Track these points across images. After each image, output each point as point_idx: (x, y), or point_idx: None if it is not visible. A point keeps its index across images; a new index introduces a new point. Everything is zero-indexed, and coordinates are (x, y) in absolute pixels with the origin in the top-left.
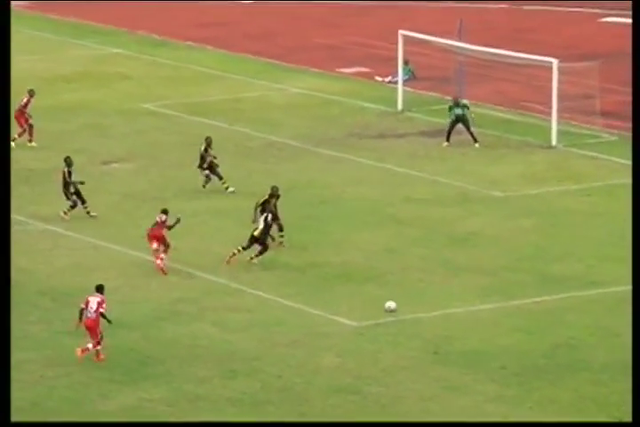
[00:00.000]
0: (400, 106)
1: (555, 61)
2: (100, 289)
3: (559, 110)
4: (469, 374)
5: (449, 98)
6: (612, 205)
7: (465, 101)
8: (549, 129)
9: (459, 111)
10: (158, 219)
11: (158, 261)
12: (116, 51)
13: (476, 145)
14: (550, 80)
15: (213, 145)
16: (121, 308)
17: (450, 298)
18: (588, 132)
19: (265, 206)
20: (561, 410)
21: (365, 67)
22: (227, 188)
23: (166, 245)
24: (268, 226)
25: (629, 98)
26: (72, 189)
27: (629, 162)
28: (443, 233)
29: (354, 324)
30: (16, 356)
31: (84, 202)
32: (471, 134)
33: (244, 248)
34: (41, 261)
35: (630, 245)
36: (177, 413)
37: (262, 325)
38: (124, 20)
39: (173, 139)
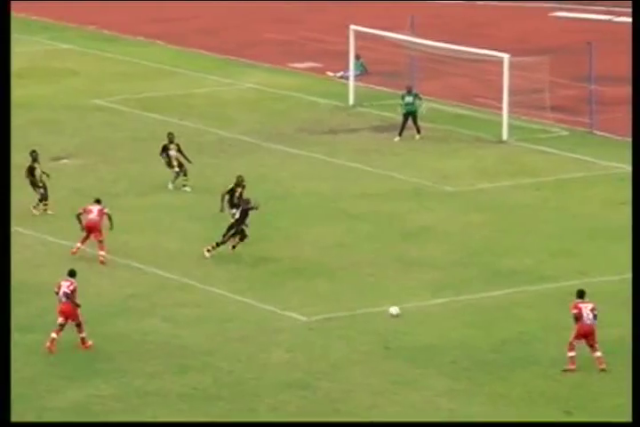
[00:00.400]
0: (352, 101)
1: (506, 56)
2: (71, 274)
3: (510, 105)
4: (420, 368)
5: (401, 93)
6: (563, 199)
7: (416, 91)
8: (500, 124)
9: (409, 99)
10: (96, 210)
11: (102, 253)
12: (66, 46)
13: (417, 137)
14: (501, 75)
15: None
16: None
17: (401, 293)
18: (539, 126)
19: (233, 199)
20: (511, 404)
21: (317, 62)
22: (184, 185)
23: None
24: (242, 216)
25: (579, 92)
26: (40, 184)
27: (579, 156)
28: (394, 228)
29: (304, 319)
30: None
31: (46, 198)
32: (416, 126)
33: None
34: None
35: (581, 240)
36: (127, 409)
37: (213, 320)
38: (75, 15)
39: (124, 135)
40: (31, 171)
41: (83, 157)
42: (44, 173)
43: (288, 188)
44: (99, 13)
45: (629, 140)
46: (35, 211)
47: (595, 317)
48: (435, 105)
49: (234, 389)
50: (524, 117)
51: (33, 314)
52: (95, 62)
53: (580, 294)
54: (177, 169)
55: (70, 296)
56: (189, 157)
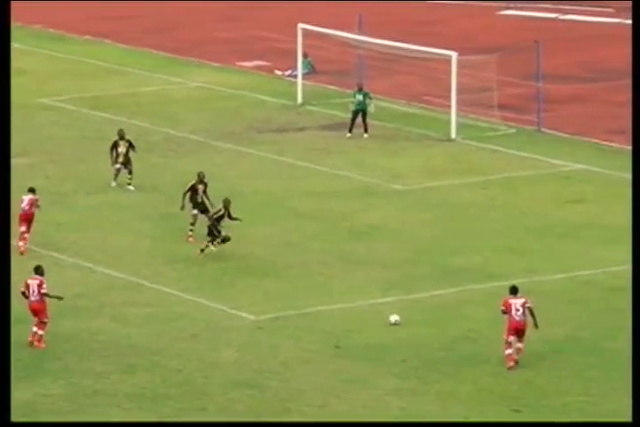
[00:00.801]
0: (300, 99)
1: (454, 54)
2: (38, 271)
3: (458, 103)
4: (369, 367)
5: (349, 91)
6: (510, 197)
7: (366, 90)
8: (449, 122)
9: (360, 97)
10: (27, 199)
11: (21, 244)
12: (13, 46)
13: (365, 135)
14: (449, 73)
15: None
16: (19, 303)
17: (350, 291)
18: (487, 125)
19: (196, 196)
20: (460, 402)
21: (265, 60)
22: (128, 184)
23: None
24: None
25: (526, 90)
26: None
27: (527, 154)
28: (343, 227)
29: (254, 318)
30: None
31: None
32: (365, 125)
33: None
34: None
35: (529, 238)
36: (76, 408)
37: (162, 319)
38: (21, 14)
39: (72, 133)
40: None
41: (31, 157)
42: None
43: (237, 186)
44: (45, 12)
45: (577, 137)
46: None
47: (525, 312)
48: (383, 103)
49: (183, 388)
50: (472, 116)
51: None
52: (42, 61)
53: (512, 290)
54: (118, 166)
55: (42, 293)
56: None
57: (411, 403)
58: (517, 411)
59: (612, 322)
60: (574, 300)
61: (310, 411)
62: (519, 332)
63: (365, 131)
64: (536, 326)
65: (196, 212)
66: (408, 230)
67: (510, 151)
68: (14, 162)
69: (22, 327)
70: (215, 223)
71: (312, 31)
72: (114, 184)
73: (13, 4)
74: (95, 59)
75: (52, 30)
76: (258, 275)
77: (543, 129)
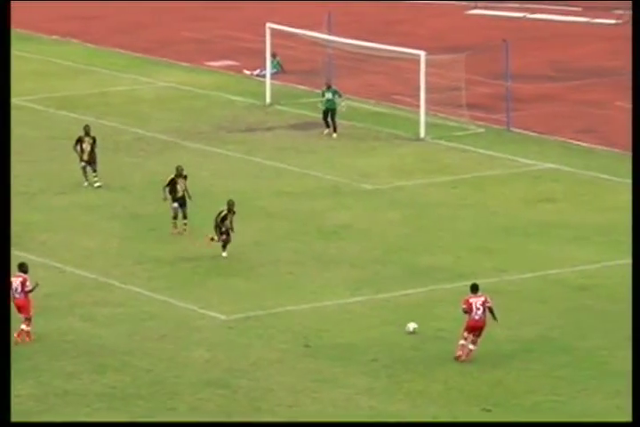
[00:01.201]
0: (268, 99)
1: (422, 54)
2: (21, 268)
3: (427, 103)
4: (340, 366)
5: (318, 91)
6: (480, 196)
7: (335, 88)
8: (418, 121)
9: (329, 95)
10: None
11: None
12: None
13: (334, 135)
14: (418, 72)
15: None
16: None
17: (320, 291)
18: (456, 124)
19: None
20: (431, 401)
21: (233, 60)
22: (95, 181)
23: None
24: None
25: (495, 90)
26: None
27: (496, 153)
28: (312, 226)
29: (224, 317)
30: None
31: None
32: (334, 124)
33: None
34: None
35: (498, 237)
36: (46, 408)
37: (132, 319)
38: None
39: (40, 133)
40: None
41: None
42: None
43: (205, 186)
44: (12, 12)
45: (546, 137)
46: None
47: (485, 310)
48: (352, 103)
49: (153, 388)
50: (441, 115)
51: None
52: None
53: (473, 288)
54: (83, 164)
55: (26, 291)
56: (99, 153)
57: (381, 402)
58: (488, 410)
59: (582, 321)
60: (544, 299)
61: (281, 410)
62: (477, 330)
63: (334, 130)
64: (494, 318)
65: (176, 205)
66: (378, 230)
67: (480, 151)
68: None
69: None
70: (219, 224)
71: (280, 31)
72: (86, 184)
73: None
74: (63, 59)
75: (19, 30)
76: (228, 275)
77: (512, 128)
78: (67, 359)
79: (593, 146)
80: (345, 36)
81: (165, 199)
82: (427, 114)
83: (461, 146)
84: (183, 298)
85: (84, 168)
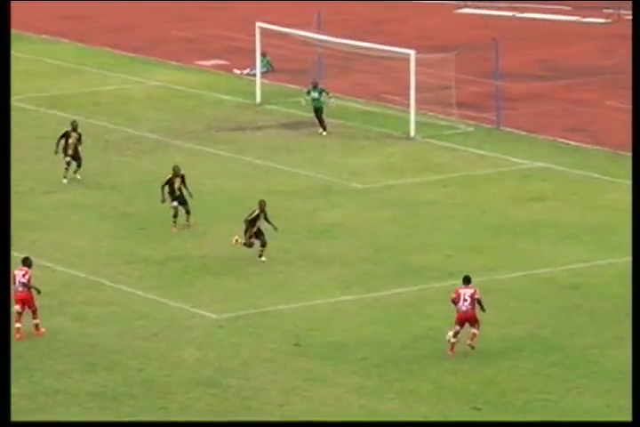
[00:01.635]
0: (258, 98)
1: (412, 53)
2: (25, 261)
3: (417, 102)
4: (330, 365)
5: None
6: (469, 195)
7: (322, 86)
8: (408, 120)
9: (315, 95)
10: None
11: None
12: None
13: (324, 133)
14: (408, 71)
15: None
16: None
17: (310, 290)
18: (446, 123)
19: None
20: (421, 400)
21: (223, 59)
22: (75, 172)
23: None
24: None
25: (485, 88)
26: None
27: (486, 152)
28: (303, 225)
29: (215, 316)
30: None
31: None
32: (322, 122)
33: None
34: None
35: (488, 236)
36: (36, 407)
37: (123, 318)
38: None
39: (29, 133)
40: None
41: None
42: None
43: (196, 185)
44: None
45: (535, 135)
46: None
47: (474, 302)
48: (342, 102)
49: (144, 387)
50: (431, 114)
51: None
52: None
53: (465, 280)
54: (68, 159)
55: (28, 285)
56: (89, 153)
57: (371, 401)
58: (478, 409)
59: (571, 320)
60: (534, 298)
61: (271, 409)
62: (465, 321)
63: (324, 129)
64: (482, 309)
65: (175, 204)
66: (368, 229)
67: (469, 149)
68: None
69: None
70: (248, 225)
71: (270, 30)
72: (65, 181)
73: None
74: (53, 58)
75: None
76: (218, 274)
77: (502, 127)
78: (57, 358)
79: (583, 145)
80: (335, 36)
81: (164, 200)
82: (417, 113)
83: (451, 145)
84: (174, 297)
85: (68, 163)
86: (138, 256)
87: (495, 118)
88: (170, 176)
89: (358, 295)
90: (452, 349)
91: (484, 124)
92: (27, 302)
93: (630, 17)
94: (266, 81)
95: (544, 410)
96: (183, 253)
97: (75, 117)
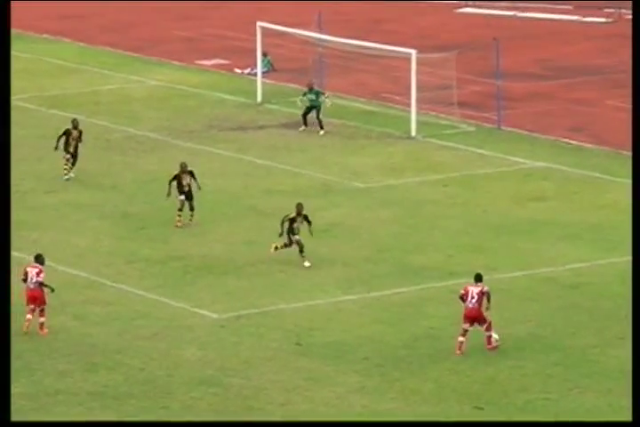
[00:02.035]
0: (259, 98)
1: (413, 52)
2: (38, 259)
3: (418, 101)
4: (331, 365)
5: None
6: (470, 195)
7: (318, 88)
8: (409, 120)
9: (312, 97)
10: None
11: None
12: None
13: (321, 132)
14: (408, 71)
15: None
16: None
17: (311, 289)
18: (447, 122)
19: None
20: (423, 400)
21: (224, 59)
22: (68, 173)
23: None
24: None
25: (486, 88)
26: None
27: (487, 152)
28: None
29: (216, 316)
30: None
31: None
32: (319, 121)
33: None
34: None
35: (489, 236)
36: (37, 407)
37: (124, 318)
38: None
39: (30, 132)
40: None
41: None
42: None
43: None
44: None
45: (536, 135)
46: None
47: (480, 299)
48: (343, 102)
49: (145, 386)
50: (432, 113)
51: None
52: None
53: (476, 278)
54: (68, 156)
55: (43, 283)
56: (89, 152)
57: (373, 401)
58: (480, 409)
59: (572, 319)
60: (535, 297)
61: (273, 409)
62: (472, 319)
63: (321, 128)
64: (487, 308)
65: (182, 198)
66: (369, 228)
67: (470, 149)
68: None
69: None
70: (287, 227)
71: (271, 29)
72: (65, 177)
73: None
74: (54, 57)
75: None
76: (219, 273)
77: (503, 127)
78: (58, 358)
79: (583, 144)
80: (335, 35)
81: (169, 194)
82: (418, 112)
83: (452, 144)
84: (175, 297)
85: (68, 160)
86: (139, 256)
87: (496, 118)
88: (177, 173)
89: (359, 295)
90: (459, 348)
91: (484, 124)
92: (37, 300)
93: (631, 16)
94: (267, 80)
95: (545, 410)
96: (184, 253)
97: (75, 117)
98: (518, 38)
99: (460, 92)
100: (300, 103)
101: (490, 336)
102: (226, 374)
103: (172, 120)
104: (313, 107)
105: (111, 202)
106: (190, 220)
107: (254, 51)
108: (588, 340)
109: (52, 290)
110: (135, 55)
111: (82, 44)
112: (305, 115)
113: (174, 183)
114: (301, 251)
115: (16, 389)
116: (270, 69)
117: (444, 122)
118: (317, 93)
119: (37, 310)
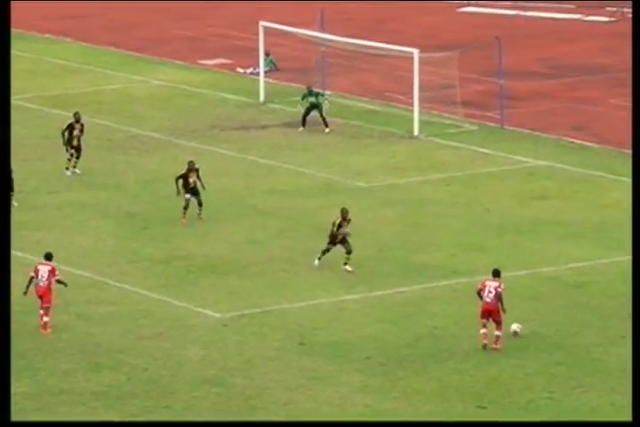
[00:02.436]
0: (262, 97)
1: (415, 51)
2: (48, 257)
3: (421, 100)
4: (334, 364)
5: (312, 90)
6: (473, 194)
7: (318, 90)
8: (411, 119)
9: (312, 99)
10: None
11: None
12: None
13: (327, 130)
14: (411, 70)
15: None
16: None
17: (314, 289)
18: (450, 121)
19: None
20: (426, 399)
21: (227, 58)
22: (74, 167)
23: None
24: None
25: (488, 87)
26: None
27: (489, 151)
28: (306, 224)
29: (218, 315)
30: None
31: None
32: (323, 119)
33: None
34: None
35: (492, 235)
36: (41, 407)
37: (127, 317)
38: None
39: (33, 132)
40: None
41: None
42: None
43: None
44: None
45: (539, 134)
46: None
47: (497, 295)
48: (346, 101)
49: (148, 386)
50: (434, 113)
51: None
52: None
53: (494, 273)
54: (72, 151)
55: (57, 279)
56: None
57: (376, 400)
58: (483, 408)
59: (575, 318)
60: (538, 296)
61: (275, 408)
62: (489, 314)
63: (326, 126)
64: (503, 310)
65: (188, 196)
66: (371, 228)
67: (473, 148)
68: None
69: None
70: (335, 232)
71: (273, 29)
72: (68, 173)
73: None
74: (56, 57)
75: (11, 28)
76: (221, 273)
77: (506, 126)
78: (61, 358)
79: (586, 143)
80: (338, 35)
81: (179, 193)
82: (420, 111)
83: (455, 143)
84: (178, 296)
85: (72, 154)
86: (142, 255)
87: (499, 117)
88: (184, 172)
89: (362, 294)
90: (484, 338)
91: (487, 123)
92: (43, 298)
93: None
94: (269, 80)
95: (548, 409)
96: (187, 253)
97: (77, 110)
98: (521, 37)
99: (463, 92)
100: (300, 107)
101: (498, 336)
102: (229, 373)
103: (174, 120)
104: (314, 106)
105: (114, 202)
106: (199, 215)
107: (257, 50)
108: (591, 339)
109: (65, 285)
110: (137, 55)
111: (84, 43)
112: (305, 116)
113: (180, 181)
114: (349, 253)
115: (19, 388)
116: (273, 69)
117: (446, 121)
118: (317, 95)
119: (42, 308)
